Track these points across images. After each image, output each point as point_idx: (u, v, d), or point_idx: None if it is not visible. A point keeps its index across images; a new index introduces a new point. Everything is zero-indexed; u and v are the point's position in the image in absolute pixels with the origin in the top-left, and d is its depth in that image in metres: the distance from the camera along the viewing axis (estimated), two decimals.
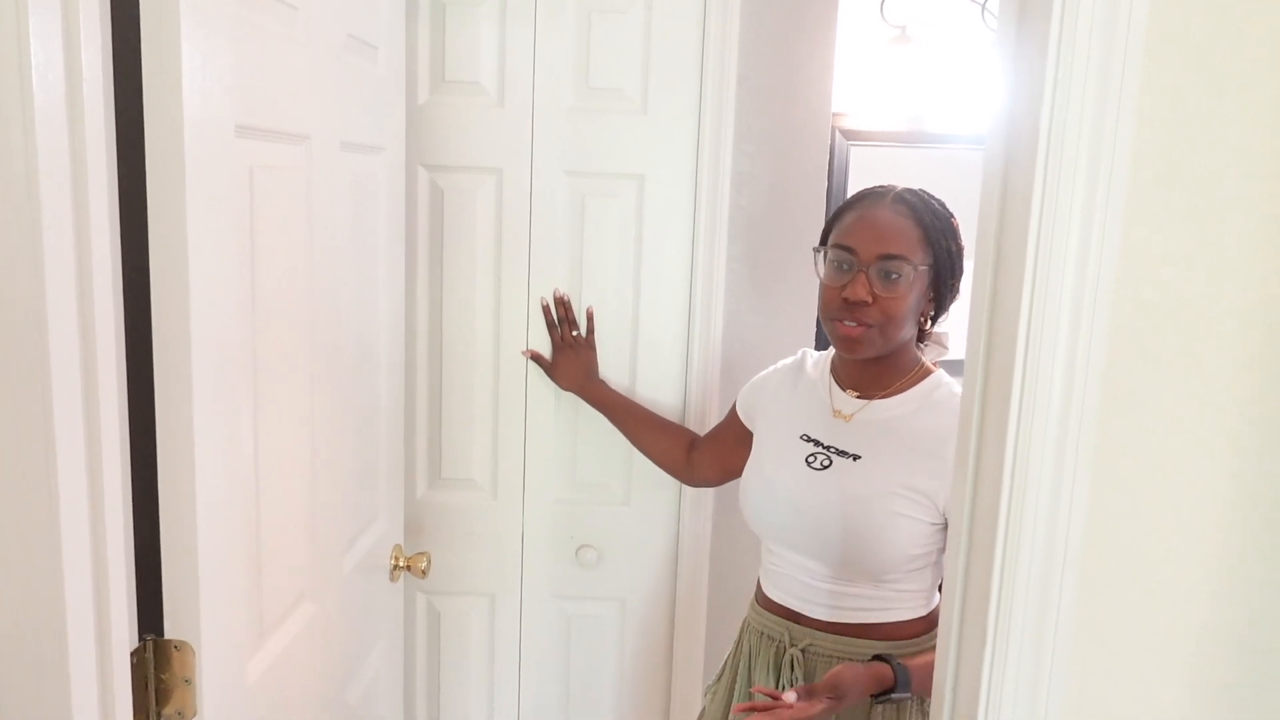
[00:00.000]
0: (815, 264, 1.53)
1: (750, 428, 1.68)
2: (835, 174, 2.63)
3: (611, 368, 1.97)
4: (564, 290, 1.94)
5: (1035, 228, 0.85)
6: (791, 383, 1.63)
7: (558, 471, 2.01)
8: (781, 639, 1.55)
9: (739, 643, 1.67)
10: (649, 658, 2.07)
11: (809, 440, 1.52)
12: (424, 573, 1.80)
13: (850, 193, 2.67)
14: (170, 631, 1.03)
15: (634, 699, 2.09)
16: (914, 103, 2.60)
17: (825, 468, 1.48)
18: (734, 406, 1.74)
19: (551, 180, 1.90)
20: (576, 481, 2.01)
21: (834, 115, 2.48)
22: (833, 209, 2.56)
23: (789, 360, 1.68)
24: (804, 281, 1.96)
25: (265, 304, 1.16)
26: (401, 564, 1.80)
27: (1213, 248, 0.86)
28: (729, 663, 1.68)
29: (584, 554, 2.03)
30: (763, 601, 1.61)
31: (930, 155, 2.70)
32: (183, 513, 1.01)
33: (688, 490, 1.99)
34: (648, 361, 1.96)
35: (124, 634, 0.97)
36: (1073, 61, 0.82)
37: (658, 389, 1.97)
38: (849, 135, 2.65)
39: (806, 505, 1.48)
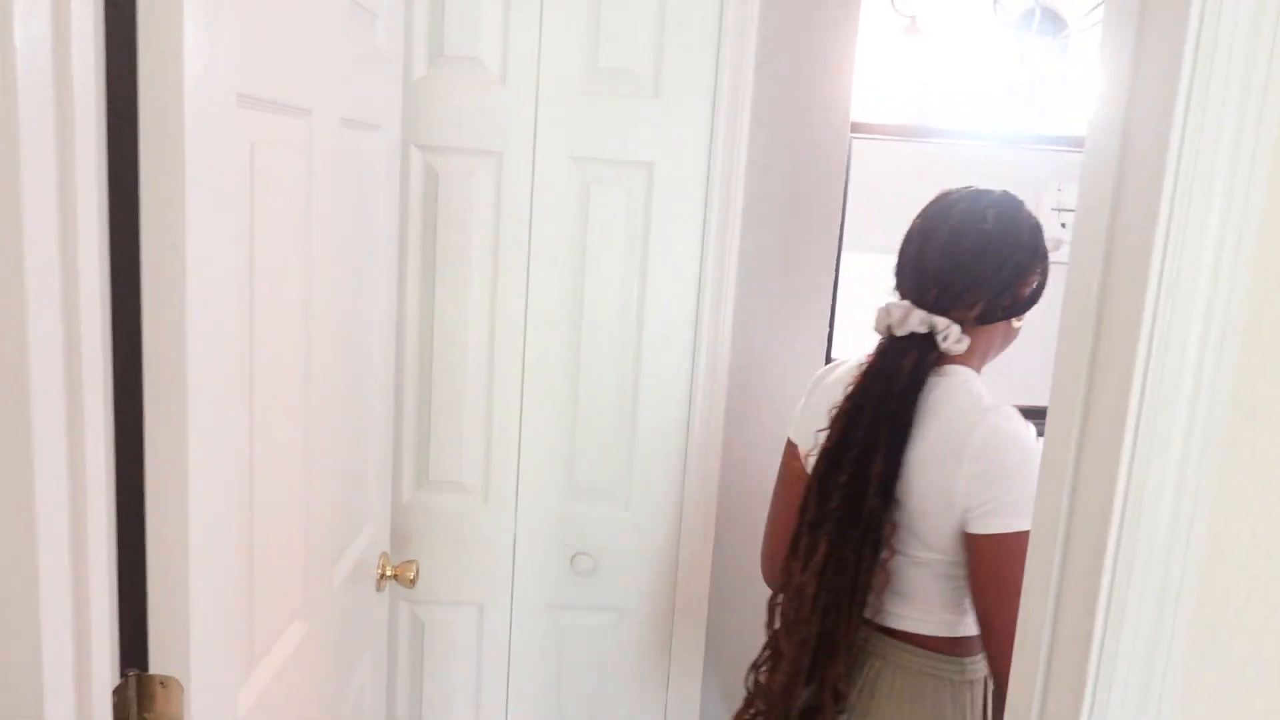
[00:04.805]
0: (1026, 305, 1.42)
1: None
2: None
3: (612, 370, 1.86)
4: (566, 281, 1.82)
5: (1163, 234, 0.76)
6: None
7: (554, 474, 1.90)
8: None
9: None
10: (646, 671, 1.97)
11: None
12: (412, 582, 1.68)
13: (852, 186, 2.59)
14: (156, 666, 0.91)
15: (630, 715, 1.99)
16: (921, 95, 2.52)
17: None
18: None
19: (555, 166, 1.79)
20: (574, 485, 1.91)
21: None
22: (844, 206, 2.46)
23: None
24: (820, 281, 1.87)
25: (263, 297, 1.04)
26: (389, 573, 1.68)
27: None
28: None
29: (580, 561, 1.92)
30: None
31: (935, 150, 2.61)
32: (173, 533, 0.89)
33: (691, 496, 1.89)
34: (651, 362, 1.86)
35: (105, 670, 0.85)
36: (1214, 52, 0.73)
37: (662, 393, 1.87)
38: (851, 127, 2.56)
39: None
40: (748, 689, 1.45)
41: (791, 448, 1.52)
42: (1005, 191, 1.42)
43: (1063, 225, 2.76)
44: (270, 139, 1.04)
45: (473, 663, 1.96)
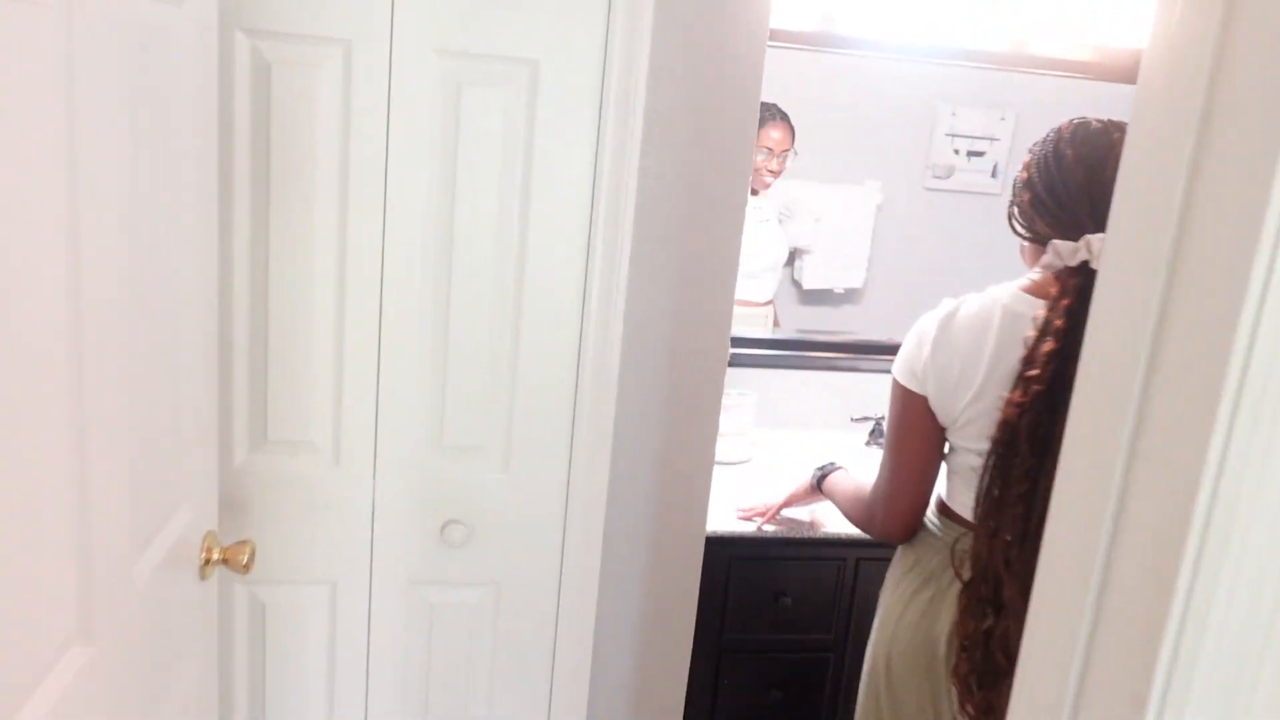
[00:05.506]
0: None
1: None
2: None
3: (488, 309, 1.58)
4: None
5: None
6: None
7: (419, 430, 1.62)
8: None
9: None
10: (528, 651, 1.74)
11: None
12: (245, 567, 1.40)
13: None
14: None
15: (509, 700, 1.76)
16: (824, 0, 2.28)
17: None
18: None
19: (417, 60, 1.47)
20: (443, 443, 1.63)
21: None
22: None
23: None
24: (731, 208, 1.62)
25: None
26: (216, 557, 1.39)
27: None
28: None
29: (450, 531, 1.66)
30: None
31: (839, 62, 2.40)
32: None
33: (580, 453, 1.65)
34: (535, 299, 1.58)
35: None
36: None
37: (547, 335, 1.60)
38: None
39: None
40: (963, 643, 1.40)
41: (916, 399, 1.45)
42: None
43: (955, 152, 2.63)
44: None
45: (325, 649, 1.69)
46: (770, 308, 2.61)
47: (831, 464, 1.77)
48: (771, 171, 2.43)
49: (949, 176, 2.65)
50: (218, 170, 1.32)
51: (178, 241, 1.19)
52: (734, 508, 1.97)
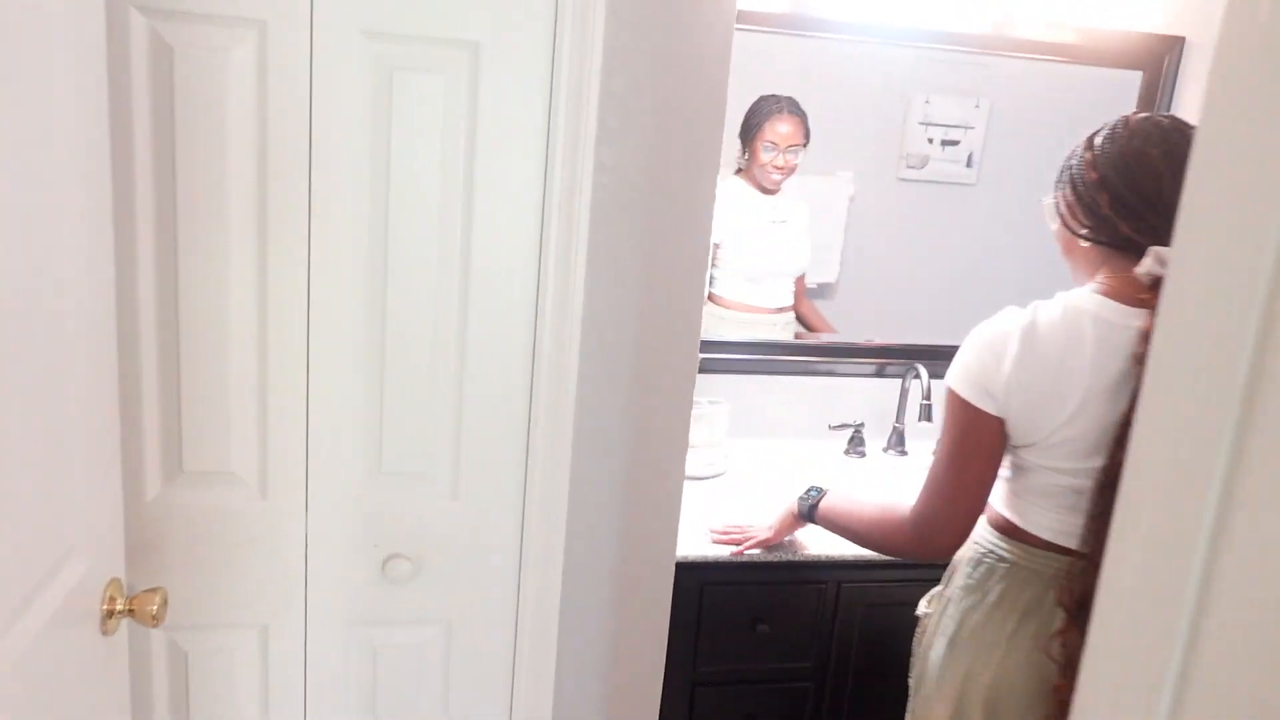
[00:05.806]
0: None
1: None
2: None
3: (429, 321, 1.43)
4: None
5: None
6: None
7: (356, 456, 1.46)
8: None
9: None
10: (484, 694, 1.59)
11: None
12: (155, 618, 1.23)
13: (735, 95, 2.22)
14: None
15: None
16: None
17: None
18: None
19: (342, 43, 1.30)
20: (383, 469, 1.47)
21: None
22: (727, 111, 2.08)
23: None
24: (698, 205, 1.47)
25: None
26: (121, 608, 1.22)
27: None
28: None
29: (394, 566, 1.50)
30: None
31: (810, 46, 2.26)
32: None
33: (535, 476, 1.50)
34: (482, 310, 1.43)
35: None
36: None
37: (496, 349, 1.45)
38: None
39: None
40: (1054, 659, 1.33)
41: (988, 420, 1.33)
42: None
43: (929, 141, 2.51)
44: None
45: (256, 699, 1.52)
46: (787, 315, 2.47)
47: (815, 488, 1.63)
48: (778, 168, 2.29)
49: (923, 166, 2.53)
50: (113, 170, 1.15)
51: (59, 252, 1.02)
52: (707, 529, 1.82)
